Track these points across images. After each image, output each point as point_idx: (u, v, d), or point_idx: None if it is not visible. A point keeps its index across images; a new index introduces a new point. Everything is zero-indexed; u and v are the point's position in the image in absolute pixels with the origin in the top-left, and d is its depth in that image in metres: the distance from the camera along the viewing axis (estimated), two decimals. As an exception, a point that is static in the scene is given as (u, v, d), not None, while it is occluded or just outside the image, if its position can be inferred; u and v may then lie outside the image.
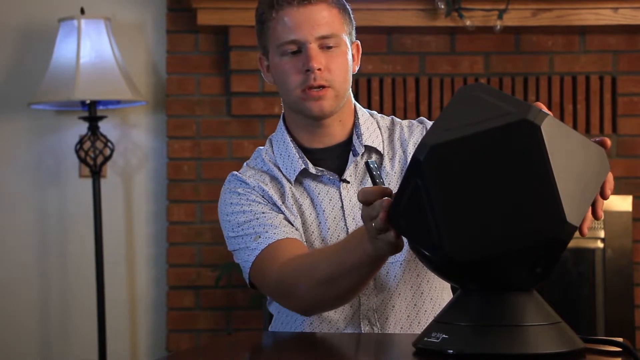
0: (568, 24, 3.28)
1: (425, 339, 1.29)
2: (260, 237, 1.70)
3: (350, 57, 1.76)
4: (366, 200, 1.37)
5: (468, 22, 3.23)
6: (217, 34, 3.37)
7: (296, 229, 1.73)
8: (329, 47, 1.71)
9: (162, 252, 3.44)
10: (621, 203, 3.36)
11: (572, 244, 3.81)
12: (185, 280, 3.38)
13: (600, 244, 3.36)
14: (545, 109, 1.24)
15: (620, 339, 1.33)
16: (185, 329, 3.38)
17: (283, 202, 1.75)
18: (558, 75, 3.38)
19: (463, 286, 1.31)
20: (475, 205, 1.21)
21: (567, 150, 1.20)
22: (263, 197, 1.75)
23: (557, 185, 1.17)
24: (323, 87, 1.71)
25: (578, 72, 3.38)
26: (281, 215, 1.73)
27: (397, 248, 1.40)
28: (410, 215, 1.26)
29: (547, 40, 3.37)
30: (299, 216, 1.75)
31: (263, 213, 1.72)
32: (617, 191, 3.37)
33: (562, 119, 3.37)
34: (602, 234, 3.35)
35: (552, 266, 1.22)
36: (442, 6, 3.22)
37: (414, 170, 1.23)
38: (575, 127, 3.38)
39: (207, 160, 3.39)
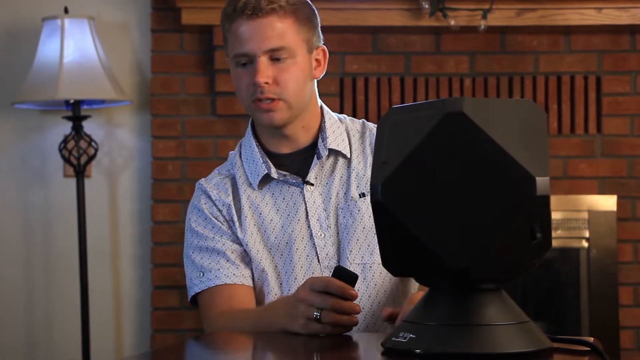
0: (552, 23, 3.28)
1: (393, 338, 1.29)
2: (203, 275, 1.78)
3: (308, 65, 1.77)
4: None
5: (452, 22, 3.23)
6: (202, 34, 3.36)
7: (241, 257, 1.78)
8: (280, 59, 1.73)
9: (147, 252, 3.43)
10: (606, 203, 3.36)
11: (557, 243, 3.78)
12: (169, 280, 3.38)
13: (585, 244, 3.36)
14: None
15: (591, 339, 1.34)
16: (170, 329, 3.37)
17: (239, 216, 1.79)
18: (543, 75, 3.38)
19: (435, 286, 1.31)
20: (452, 210, 1.22)
21: (498, 118, 1.21)
22: (220, 211, 1.80)
23: (509, 151, 1.18)
24: (272, 99, 1.73)
25: (563, 72, 3.38)
26: (230, 248, 1.77)
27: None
28: (404, 254, 1.26)
29: (532, 40, 3.37)
30: (251, 227, 1.78)
31: (214, 248, 1.78)
32: (602, 191, 3.37)
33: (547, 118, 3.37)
34: (586, 233, 3.36)
35: (549, 225, 1.22)
36: (426, 6, 3.22)
37: (379, 214, 1.24)
38: (560, 126, 3.39)
39: (192, 159, 3.39)
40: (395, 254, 1.28)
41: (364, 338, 1.53)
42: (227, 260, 1.76)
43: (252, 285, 1.78)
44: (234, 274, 1.76)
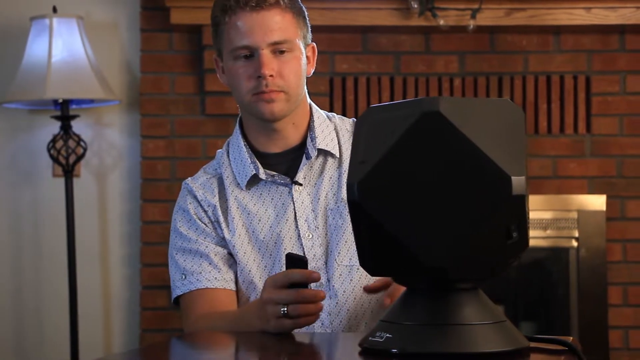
0: (542, 23, 3.29)
1: (370, 338, 1.29)
2: (185, 277, 1.77)
3: (304, 60, 1.77)
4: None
5: (442, 22, 3.23)
6: (191, 33, 3.36)
7: (224, 261, 1.77)
8: (282, 52, 1.72)
9: (136, 252, 3.43)
10: (595, 202, 3.36)
11: (546, 243, 3.76)
12: (158, 279, 3.37)
13: (574, 243, 3.36)
14: None
15: (570, 338, 1.33)
16: (159, 329, 3.37)
17: (225, 217, 1.78)
18: (532, 75, 3.38)
19: (413, 286, 1.31)
20: (428, 209, 1.21)
21: (474, 117, 1.21)
22: (206, 212, 1.79)
23: (484, 151, 1.18)
24: (274, 91, 1.72)
25: (552, 72, 3.38)
26: (213, 250, 1.77)
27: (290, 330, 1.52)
28: (381, 254, 1.26)
29: (522, 40, 3.37)
30: (239, 228, 1.77)
31: (197, 251, 1.77)
32: (591, 190, 3.37)
33: (536, 118, 3.38)
34: (576, 233, 3.36)
35: (525, 225, 1.22)
36: (416, 5, 3.22)
37: (356, 213, 1.24)
38: (549, 126, 3.39)
39: (182, 159, 3.38)
40: (373, 253, 1.27)
41: (342, 338, 1.53)
42: (210, 264, 1.76)
43: (234, 289, 1.78)
44: (216, 278, 1.75)
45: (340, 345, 1.45)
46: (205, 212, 1.79)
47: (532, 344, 1.30)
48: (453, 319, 1.25)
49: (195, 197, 1.80)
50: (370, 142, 1.24)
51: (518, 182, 1.18)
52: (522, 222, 1.22)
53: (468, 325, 1.24)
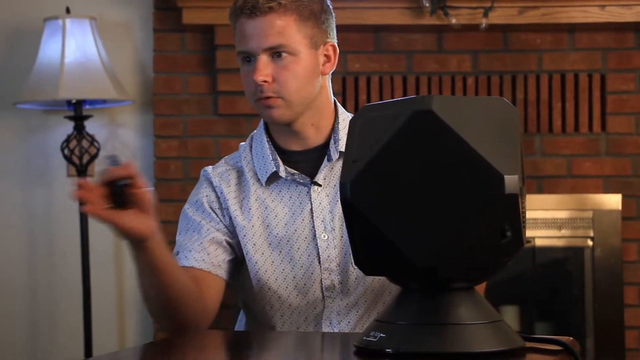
0: (555, 21, 3.26)
1: (364, 337, 1.28)
2: (178, 254, 1.77)
3: (311, 63, 1.74)
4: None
5: (454, 20, 3.21)
6: (204, 33, 3.37)
7: (218, 245, 1.76)
8: (280, 56, 1.72)
9: (150, 251, 3.43)
10: (610, 201, 3.33)
11: (561, 242, 3.73)
12: (172, 279, 3.38)
13: (589, 243, 3.34)
14: None
15: (570, 338, 1.32)
16: (172, 328, 3.37)
17: (240, 206, 1.78)
18: (546, 73, 3.36)
19: (406, 285, 1.30)
20: (420, 208, 1.20)
21: (467, 116, 1.20)
22: (218, 199, 1.79)
23: (477, 150, 1.17)
24: (271, 97, 1.72)
25: (567, 70, 3.36)
26: (212, 234, 1.76)
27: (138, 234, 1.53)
28: (374, 253, 1.25)
29: (535, 38, 3.35)
30: (254, 219, 1.77)
31: (196, 230, 1.77)
32: (606, 189, 3.35)
33: (550, 117, 3.36)
34: (591, 232, 3.33)
35: (518, 225, 1.20)
36: (427, 4, 3.20)
37: (349, 213, 1.24)
38: (564, 125, 3.36)
39: (194, 159, 3.39)
40: (366, 253, 1.27)
41: (338, 337, 1.52)
42: (201, 244, 1.75)
43: (222, 277, 1.76)
44: (203, 260, 1.74)
45: (335, 344, 1.45)
46: (218, 198, 1.79)
47: (528, 344, 1.29)
48: (447, 318, 1.24)
49: (210, 183, 1.80)
50: (363, 141, 1.23)
51: (511, 180, 1.17)
52: (516, 221, 1.20)
53: (462, 325, 1.23)
